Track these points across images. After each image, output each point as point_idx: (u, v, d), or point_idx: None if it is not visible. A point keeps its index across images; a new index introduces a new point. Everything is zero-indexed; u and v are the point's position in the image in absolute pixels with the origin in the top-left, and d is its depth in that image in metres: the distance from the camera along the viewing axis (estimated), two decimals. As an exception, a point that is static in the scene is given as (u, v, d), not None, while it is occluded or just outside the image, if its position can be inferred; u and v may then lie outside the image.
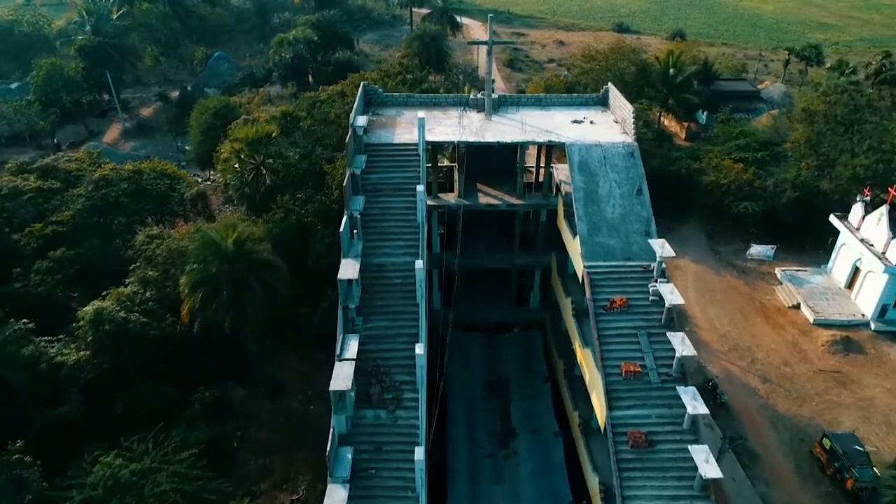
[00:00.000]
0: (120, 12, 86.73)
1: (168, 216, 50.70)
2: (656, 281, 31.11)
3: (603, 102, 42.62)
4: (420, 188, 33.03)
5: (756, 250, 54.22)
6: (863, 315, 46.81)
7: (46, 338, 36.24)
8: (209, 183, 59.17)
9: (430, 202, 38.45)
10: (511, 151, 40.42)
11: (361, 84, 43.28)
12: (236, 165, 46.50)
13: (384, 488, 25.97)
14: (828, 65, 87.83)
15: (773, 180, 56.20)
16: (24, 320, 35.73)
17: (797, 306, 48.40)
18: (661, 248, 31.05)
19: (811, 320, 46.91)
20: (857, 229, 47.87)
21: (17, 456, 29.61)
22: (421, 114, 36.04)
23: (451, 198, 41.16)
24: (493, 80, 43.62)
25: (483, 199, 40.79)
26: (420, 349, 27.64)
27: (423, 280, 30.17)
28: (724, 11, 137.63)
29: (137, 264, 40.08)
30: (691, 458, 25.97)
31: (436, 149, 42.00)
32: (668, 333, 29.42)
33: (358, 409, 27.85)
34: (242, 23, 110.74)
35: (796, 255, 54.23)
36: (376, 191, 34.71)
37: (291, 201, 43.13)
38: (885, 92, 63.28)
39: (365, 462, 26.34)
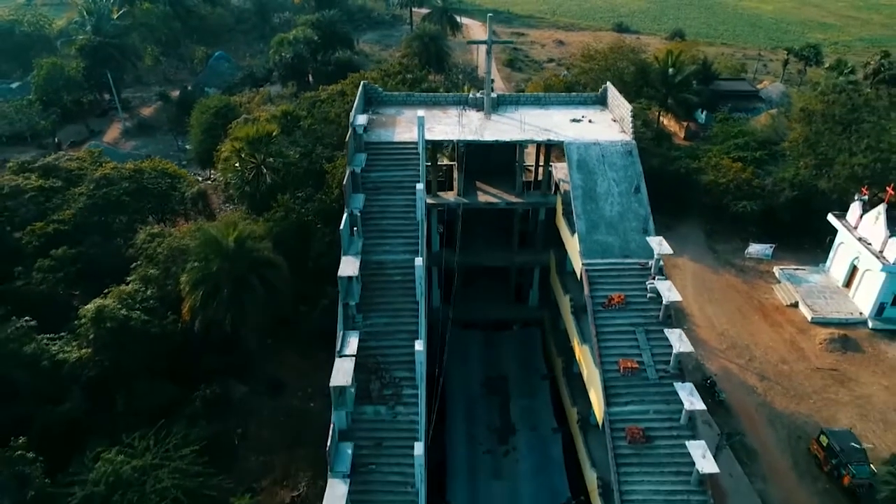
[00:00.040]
0: (120, 12, 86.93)
1: (169, 215, 50.91)
2: (654, 278, 31.34)
3: (601, 101, 42.83)
4: (420, 186, 33.22)
5: (754, 249, 54.44)
6: (860, 313, 47.02)
7: (48, 335, 36.37)
8: (210, 182, 59.44)
9: (429, 200, 38.67)
10: (510, 150, 40.65)
11: (361, 83, 43.45)
12: (237, 164, 46.68)
13: (384, 483, 26.18)
14: (826, 64, 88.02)
15: (771, 179, 56.42)
16: (27, 318, 35.93)
17: (795, 305, 48.63)
18: (659, 245, 31.28)
19: (809, 319, 47.15)
20: (855, 228, 48.07)
21: (19, 452, 29.79)
22: (420, 113, 36.25)
23: (450, 196, 41.37)
24: (493, 80, 43.84)
25: (482, 198, 40.97)
26: (420, 345, 27.83)
27: (422, 277, 30.38)
28: (723, 11, 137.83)
29: (139, 262, 40.23)
30: (688, 454, 26.21)
31: (435, 147, 42.18)
32: (666, 330, 29.63)
33: (358, 405, 28.06)
34: (243, 23, 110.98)
35: (794, 253, 54.46)
36: (376, 189, 34.92)
37: (292, 200, 43.34)
38: (882, 91, 63.56)
39: (365, 457, 26.55)
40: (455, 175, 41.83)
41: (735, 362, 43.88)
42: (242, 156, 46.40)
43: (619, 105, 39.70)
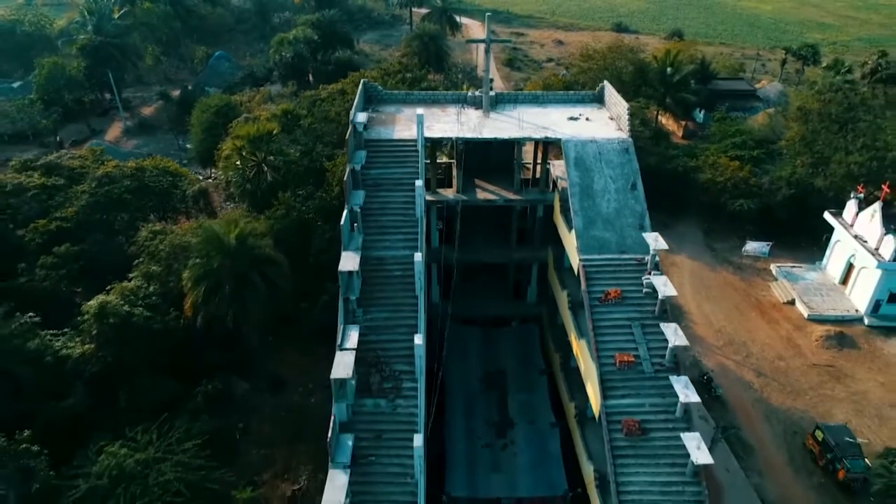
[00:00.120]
0: (121, 12, 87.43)
1: (170, 213, 51.26)
2: (650, 273, 31.67)
3: (598, 100, 43.16)
4: (419, 183, 33.49)
5: (751, 247, 54.82)
6: (856, 310, 47.40)
7: (52, 331, 36.71)
8: (211, 180, 59.79)
9: (428, 197, 38.95)
10: (508, 148, 40.96)
11: (361, 81, 43.68)
12: (238, 162, 47.04)
13: (384, 474, 26.51)
14: (824, 64, 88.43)
15: (768, 178, 56.82)
16: (31, 314, 36.23)
17: (792, 302, 49.02)
18: (655, 241, 31.61)
19: (805, 316, 47.53)
20: (851, 226, 48.46)
21: (24, 445, 30.14)
22: (420, 111, 36.61)
23: (449, 193, 41.66)
24: (492, 79, 44.18)
25: (481, 195, 41.26)
26: (419, 339, 28.13)
27: (422, 272, 30.69)
28: (722, 11, 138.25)
29: (141, 259, 40.59)
30: (683, 445, 26.52)
31: (434, 145, 42.50)
32: (662, 324, 29.97)
33: (358, 398, 28.37)
34: (243, 22, 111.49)
35: (791, 251, 54.86)
36: (376, 186, 35.23)
37: (292, 198, 43.72)
38: (878, 90, 63.95)
39: (365, 449, 26.87)
40: (454, 172, 42.13)
41: (732, 359, 44.25)
42: (243, 154, 46.77)
43: (616, 103, 40.04)
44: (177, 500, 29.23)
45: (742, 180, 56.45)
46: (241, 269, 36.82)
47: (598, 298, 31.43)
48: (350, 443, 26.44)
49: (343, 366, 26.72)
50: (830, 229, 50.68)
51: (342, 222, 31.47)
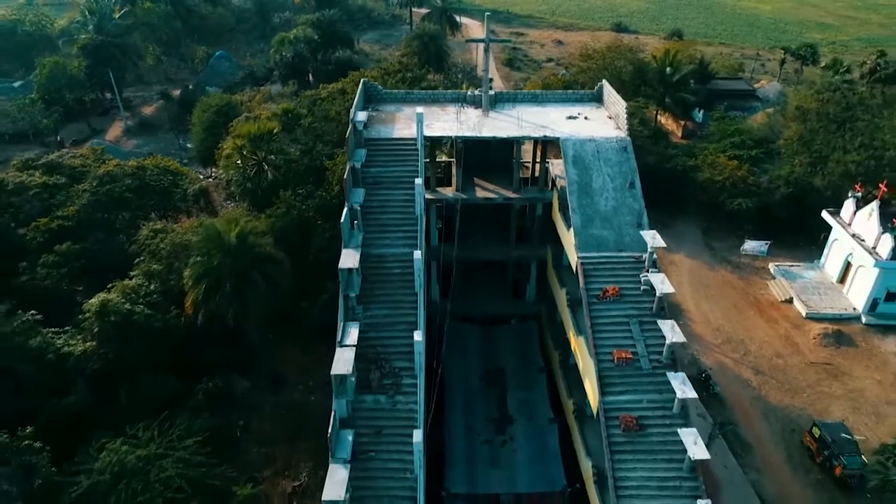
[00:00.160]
0: (122, 12, 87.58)
1: (171, 212, 51.37)
2: (648, 271, 31.88)
3: (597, 99, 43.37)
4: (419, 181, 33.71)
5: (750, 246, 55.02)
6: (854, 309, 47.60)
7: (53, 329, 36.85)
8: (211, 179, 59.98)
9: (428, 196, 39.13)
10: (507, 146, 41.14)
11: (361, 80, 43.93)
12: (238, 161, 47.23)
13: (384, 469, 26.73)
14: (823, 64, 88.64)
15: (767, 177, 57.00)
16: (32, 311, 36.38)
17: (790, 300, 49.21)
18: (653, 238, 31.83)
19: (803, 314, 47.72)
20: (849, 225, 48.64)
21: (26, 442, 30.34)
22: (419, 110, 36.86)
23: (449, 192, 41.86)
24: (492, 79, 44.37)
25: (480, 193, 41.46)
26: (418, 336, 28.38)
27: (421, 270, 30.91)
28: (722, 11, 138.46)
29: (142, 258, 40.74)
30: (681, 441, 26.73)
31: (434, 144, 42.72)
32: (659, 321, 30.16)
33: (358, 394, 28.59)
34: (243, 22, 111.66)
35: (789, 250, 55.05)
36: (376, 184, 35.44)
37: (293, 197, 43.91)
38: (876, 90, 64.14)
39: (365, 444, 27.09)
40: (453, 171, 42.34)
41: (730, 357, 44.45)
42: (244, 153, 46.97)
43: (615, 102, 40.25)
44: (178, 496, 29.50)
45: (741, 179, 56.64)
46: (241, 267, 37.00)
47: (597, 296, 31.64)
48: (350, 438, 26.64)
49: (343, 362, 26.93)
50: (828, 228, 50.87)
51: (342, 220, 31.69)
